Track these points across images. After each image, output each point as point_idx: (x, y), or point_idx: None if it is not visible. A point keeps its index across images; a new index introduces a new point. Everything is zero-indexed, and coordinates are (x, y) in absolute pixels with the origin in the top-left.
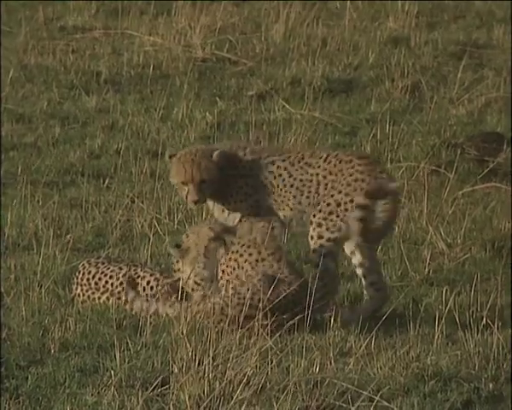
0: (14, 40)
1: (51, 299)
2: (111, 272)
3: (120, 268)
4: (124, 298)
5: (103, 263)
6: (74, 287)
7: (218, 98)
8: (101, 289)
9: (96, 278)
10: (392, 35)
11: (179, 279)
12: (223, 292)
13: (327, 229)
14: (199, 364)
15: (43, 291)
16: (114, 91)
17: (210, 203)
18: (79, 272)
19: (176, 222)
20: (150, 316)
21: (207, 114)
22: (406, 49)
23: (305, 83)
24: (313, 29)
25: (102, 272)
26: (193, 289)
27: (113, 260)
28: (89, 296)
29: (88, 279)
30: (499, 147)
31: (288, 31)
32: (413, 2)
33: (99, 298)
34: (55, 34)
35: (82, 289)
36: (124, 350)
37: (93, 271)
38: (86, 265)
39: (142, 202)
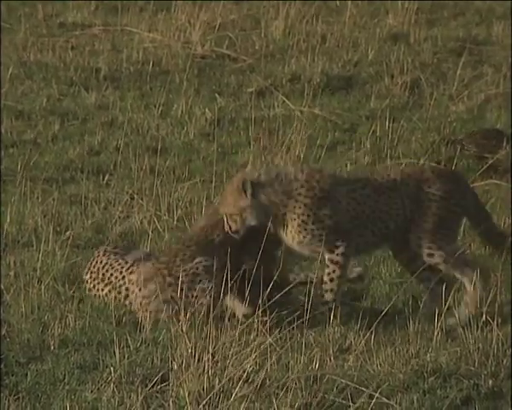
0: (13, 37)
1: (51, 295)
2: (118, 264)
3: (126, 262)
4: (123, 293)
5: (116, 254)
6: (85, 271)
7: (217, 95)
8: (106, 281)
9: (104, 269)
10: (391, 32)
11: None
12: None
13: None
14: (198, 360)
15: (42, 288)
16: (114, 88)
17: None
18: (93, 259)
19: (175, 219)
20: (150, 312)
21: (207, 110)
22: (406, 46)
23: (304, 79)
24: (313, 25)
25: (110, 264)
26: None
27: (123, 248)
28: (94, 285)
29: (98, 268)
30: (499, 143)
31: (287, 27)
32: None
33: (102, 289)
34: (54, 31)
35: (91, 276)
36: (123, 347)
37: (104, 260)
38: (101, 252)
39: (142, 199)
